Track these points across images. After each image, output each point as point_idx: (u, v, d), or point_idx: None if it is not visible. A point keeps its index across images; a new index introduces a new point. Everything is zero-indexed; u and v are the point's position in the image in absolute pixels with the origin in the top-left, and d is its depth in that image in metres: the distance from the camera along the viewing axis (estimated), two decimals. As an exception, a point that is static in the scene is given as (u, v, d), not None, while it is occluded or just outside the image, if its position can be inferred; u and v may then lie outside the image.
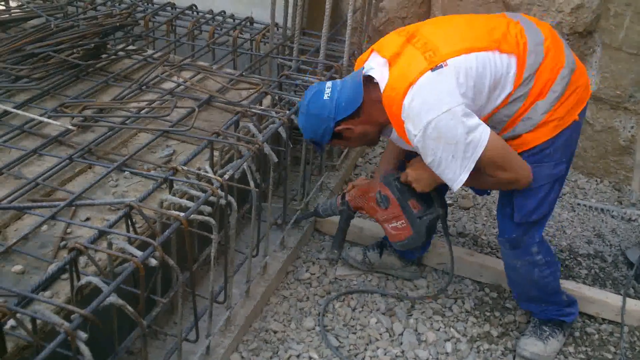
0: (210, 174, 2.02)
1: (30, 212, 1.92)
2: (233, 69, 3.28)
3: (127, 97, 2.70)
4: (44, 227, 2.00)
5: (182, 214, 1.80)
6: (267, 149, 2.30)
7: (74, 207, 2.09)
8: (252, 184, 2.19)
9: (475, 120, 1.96)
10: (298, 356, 2.34)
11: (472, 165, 1.98)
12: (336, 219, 2.70)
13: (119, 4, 3.79)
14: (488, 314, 2.66)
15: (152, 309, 2.11)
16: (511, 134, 2.12)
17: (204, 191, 1.95)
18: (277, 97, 2.75)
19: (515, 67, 2.03)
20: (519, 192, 2.21)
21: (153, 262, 1.65)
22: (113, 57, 3.05)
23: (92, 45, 2.87)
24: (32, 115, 2.39)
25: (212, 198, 1.94)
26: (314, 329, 2.48)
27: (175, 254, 1.98)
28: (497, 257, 2.96)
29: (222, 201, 1.98)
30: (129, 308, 1.55)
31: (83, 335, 1.40)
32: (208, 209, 1.91)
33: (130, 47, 3.23)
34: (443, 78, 1.96)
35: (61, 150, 2.39)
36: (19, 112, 2.47)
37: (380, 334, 2.49)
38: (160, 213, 1.88)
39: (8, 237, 1.93)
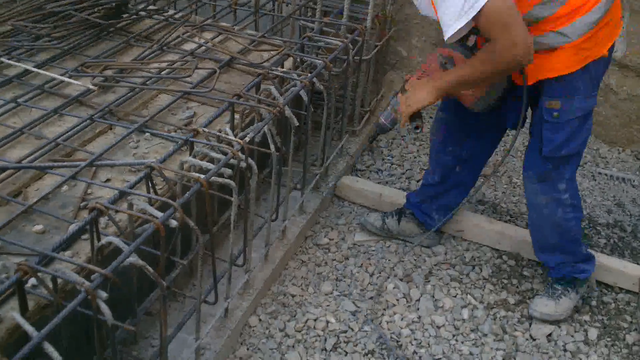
0: (231, 137, 2.01)
1: (51, 172, 1.93)
2: (255, 31, 3.23)
3: (148, 57, 2.67)
4: (65, 187, 2.00)
5: (202, 176, 1.79)
6: (288, 112, 2.27)
7: (94, 168, 2.10)
8: (272, 147, 2.18)
9: None
10: (315, 320, 2.35)
11: (466, 20, 1.84)
12: (357, 188, 2.65)
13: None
14: (505, 281, 2.65)
15: (171, 271, 2.14)
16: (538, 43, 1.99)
17: (225, 154, 1.94)
18: (299, 60, 2.71)
19: None
20: (549, 124, 2.16)
21: (173, 223, 1.65)
22: (134, 16, 3.01)
23: (113, 4, 2.83)
24: (52, 75, 2.39)
25: (232, 161, 1.93)
26: (331, 293, 2.49)
27: (195, 216, 1.99)
28: (517, 224, 2.93)
29: (243, 164, 1.96)
30: (149, 269, 1.55)
31: (103, 294, 1.41)
32: (228, 171, 1.90)
33: (152, 7, 3.19)
34: None
35: (82, 111, 2.38)
36: (40, 71, 2.47)
37: (397, 300, 2.50)
38: (180, 175, 1.88)
39: (29, 196, 1.94)
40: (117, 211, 1.67)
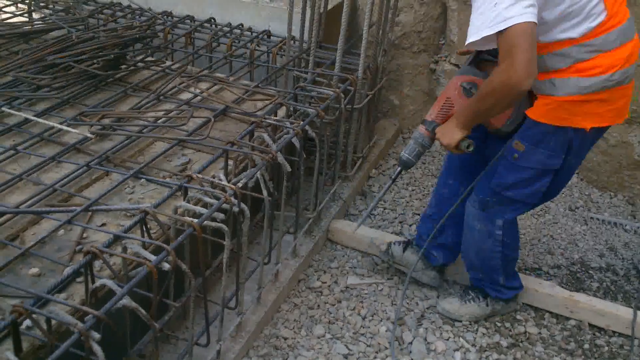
0: (224, 182, 2.07)
1: (48, 217, 1.98)
2: (250, 81, 3.34)
3: (145, 106, 2.76)
4: (61, 231, 2.05)
5: (195, 220, 1.85)
6: (280, 158, 2.35)
7: (90, 213, 2.15)
8: (265, 192, 2.24)
9: (525, 2, 1.84)
10: (307, 363, 2.37)
11: (491, 32, 1.87)
12: (349, 232, 2.73)
13: (140, 17, 3.88)
14: (499, 324, 2.67)
15: (164, 314, 2.16)
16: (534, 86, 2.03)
17: (218, 199, 1.99)
18: (291, 109, 2.80)
19: (601, 20, 1.99)
20: (507, 162, 2.25)
21: (166, 266, 1.70)
22: (132, 68, 3.12)
23: (112, 56, 2.94)
24: (51, 123, 2.47)
25: (225, 206, 1.99)
26: (324, 336, 2.51)
27: (188, 259, 2.03)
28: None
29: (235, 209, 2.02)
30: (142, 311, 1.60)
31: (96, 335, 1.45)
32: (221, 216, 1.96)
33: (150, 59, 3.31)
34: None
35: (79, 158, 2.45)
36: (39, 120, 2.55)
37: (390, 343, 2.51)
38: (174, 219, 1.93)
39: (26, 240, 1.99)
40: (111, 254, 1.72)
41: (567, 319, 2.71)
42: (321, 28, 3.56)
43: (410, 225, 3.29)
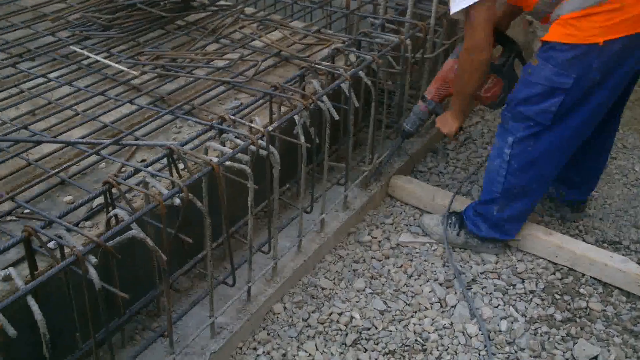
0: (255, 125, 2.04)
1: (78, 147, 2.05)
2: (327, 29, 3.27)
3: (202, 48, 2.78)
4: (102, 165, 2.14)
5: (215, 159, 1.83)
6: (324, 105, 2.27)
7: (134, 148, 2.22)
8: (302, 138, 2.18)
9: None
10: (340, 314, 2.32)
11: (457, 9, 2.19)
12: (410, 188, 2.82)
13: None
14: (557, 297, 2.47)
15: (199, 253, 2.21)
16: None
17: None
18: (351, 55, 2.69)
19: None
20: (523, 78, 2.31)
21: (177, 201, 1.71)
22: (201, 10, 3.14)
23: (180, -1, 2.98)
24: (108, 62, 2.56)
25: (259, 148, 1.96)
26: (363, 290, 2.45)
27: (224, 201, 2.02)
28: (584, 240, 2.73)
29: (263, 152, 1.99)
30: (149, 242, 1.62)
31: (93, 259, 1.49)
32: (246, 157, 1.94)
33: (222, 2, 3.32)
34: None
35: (136, 97, 2.51)
36: (101, 59, 2.64)
37: (432, 304, 2.41)
38: (200, 158, 1.93)
39: (69, 171, 2.09)
40: (127, 186, 1.75)
41: None
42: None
43: (481, 187, 3.10)
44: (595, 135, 2.49)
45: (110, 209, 1.76)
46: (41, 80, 2.56)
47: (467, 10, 2.20)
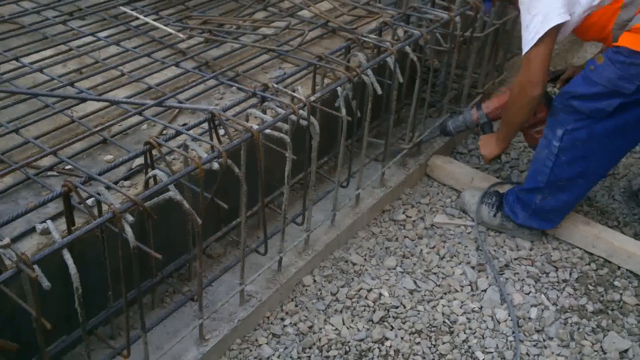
0: (297, 94, 2.03)
1: (121, 107, 2.08)
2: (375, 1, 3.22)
3: (250, 15, 2.77)
4: (144, 126, 2.17)
5: (255, 126, 1.83)
6: (368, 78, 2.25)
7: (177, 111, 2.24)
8: (343, 110, 2.17)
9: (556, 6, 2.12)
10: (369, 290, 2.32)
11: (525, 50, 2.22)
12: (448, 169, 2.83)
13: None
14: (591, 287, 2.42)
15: (233, 220, 2.22)
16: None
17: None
18: (398, 30, 2.65)
19: None
20: (584, 72, 2.25)
21: (215, 165, 1.72)
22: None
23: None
24: (157, 24, 2.57)
25: (300, 118, 1.95)
26: (394, 268, 2.44)
27: (262, 170, 2.03)
28: (622, 232, 2.66)
29: (303, 122, 1.98)
30: (186, 204, 1.63)
31: (129, 217, 1.51)
32: (286, 126, 1.93)
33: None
34: None
35: (182, 61, 2.53)
36: (146, 19, 2.66)
37: (462, 287, 2.39)
38: (241, 124, 1.94)
39: (112, 131, 2.12)
40: (167, 147, 1.77)
41: (678, 295, 2.40)
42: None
43: (521, 172, 3.05)
44: None
45: (149, 169, 1.79)
46: (90, 39, 2.60)
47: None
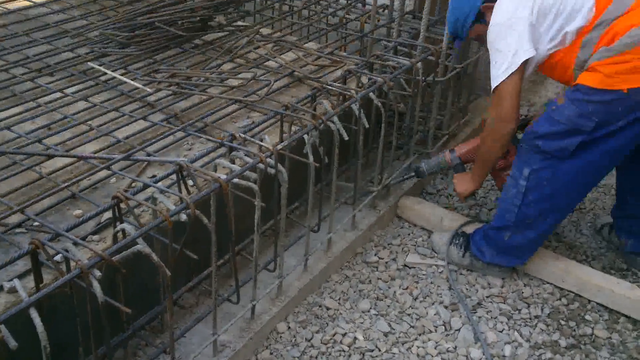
0: (264, 143, 2.07)
1: (90, 162, 2.10)
2: (344, 51, 3.31)
3: (217, 67, 2.83)
4: (113, 180, 2.18)
5: (223, 177, 1.86)
6: (334, 125, 2.30)
7: (145, 164, 2.26)
8: (310, 157, 2.21)
9: (524, 43, 2.24)
10: (344, 335, 2.32)
11: (495, 84, 2.30)
12: (418, 209, 2.89)
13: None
14: (562, 322, 2.45)
15: (204, 270, 2.22)
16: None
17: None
18: (363, 77, 2.72)
19: (591, 6, 2.17)
20: (546, 113, 2.31)
21: (183, 217, 1.73)
22: (219, 30, 3.20)
23: (198, 18, 3.03)
24: (124, 79, 2.60)
25: (269, 168, 1.98)
26: (368, 311, 2.45)
27: (232, 218, 2.05)
28: (591, 265, 2.71)
29: (271, 170, 2.01)
30: (154, 257, 1.64)
31: (97, 273, 1.51)
32: (254, 175, 1.96)
33: (240, 23, 3.37)
34: None
35: (150, 114, 2.56)
36: (114, 74, 2.70)
37: (436, 327, 2.40)
38: (208, 175, 1.96)
39: (81, 185, 2.13)
40: (135, 201, 1.78)
41: (647, 326, 2.44)
42: (416, -2, 3.45)
43: (490, 210, 3.11)
44: None
45: (118, 223, 1.80)
46: (58, 95, 2.62)
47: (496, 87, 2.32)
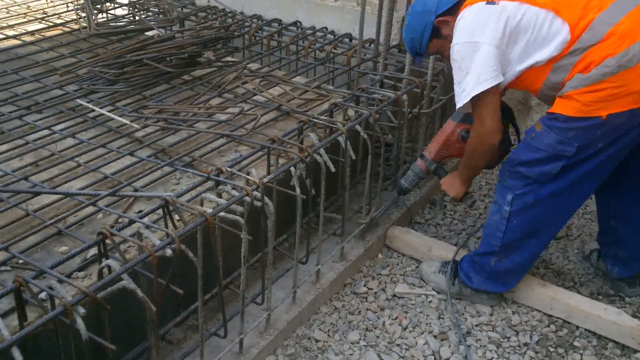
0: (250, 177, 2.09)
1: (76, 199, 2.11)
2: (331, 85, 3.36)
3: (205, 102, 2.87)
4: (100, 215, 2.19)
5: (209, 210, 1.87)
6: (321, 158, 2.33)
7: (132, 199, 2.27)
8: (297, 190, 2.23)
9: (489, 67, 2.20)
10: (333, 367, 2.32)
11: (462, 103, 2.29)
12: (407, 239, 2.88)
13: (232, 19, 4.04)
14: (551, 349, 2.45)
15: (191, 305, 2.22)
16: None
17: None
18: (348, 110, 2.77)
19: (565, 34, 2.15)
20: (525, 141, 2.35)
21: (168, 252, 1.74)
22: (207, 66, 3.25)
23: (186, 55, 3.08)
24: (112, 115, 2.63)
25: (256, 201, 2.00)
26: (357, 342, 2.45)
27: (219, 252, 2.06)
28: (578, 292, 2.72)
29: (257, 203, 2.03)
30: (139, 292, 1.65)
31: (81, 310, 1.51)
32: (240, 209, 1.98)
33: (229, 59, 3.43)
34: (488, 13, 2.22)
35: (138, 149, 2.58)
36: (102, 111, 2.73)
37: (425, 357, 2.39)
38: (194, 209, 1.98)
39: (67, 222, 2.14)
40: (120, 237, 1.79)
41: (635, 351, 2.44)
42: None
43: (478, 239, 3.12)
44: (633, 211, 2.57)
45: (103, 259, 1.80)
46: (46, 132, 2.65)
47: (472, 99, 2.28)
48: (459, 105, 2.32)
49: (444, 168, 2.81)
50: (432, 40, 2.46)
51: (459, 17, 2.31)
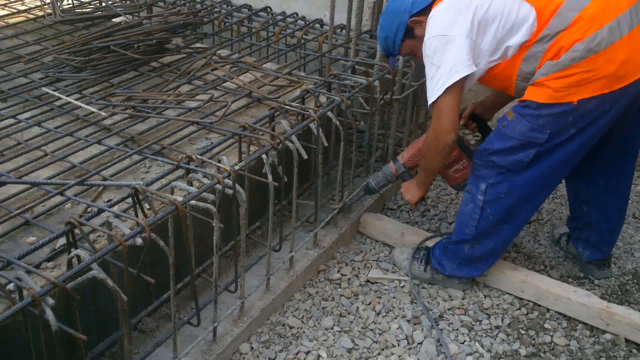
0: (222, 164, 2.07)
1: (43, 188, 2.07)
2: (301, 71, 3.34)
3: (174, 89, 2.83)
4: (68, 205, 2.15)
5: (179, 199, 1.85)
6: (293, 145, 2.32)
7: (100, 188, 2.24)
8: (269, 177, 2.22)
9: (462, 58, 2.21)
10: (307, 352, 2.32)
11: (430, 102, 2.30)
12: (379, 225, 2.85)
13: (201, 5, 3.98)
14: (522, 332, 2.49)
15: (164, 293, 2.20)
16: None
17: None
18: (321, 96, 2.76)
19: (532, 21, 2.17)
20: (497, 129, 2.36)
21: (138, 241, 1.72)
22: (176, 53, 3.20)
23: (154, 41, 3.03)
24: (78, 103, 2.58)
25: (227, 189, 1.99)
26: (331, 328, 2.46)
27: (192, 240, 2.04)
28: (549, 275, 2.77)
29: (229, 191, 2.01)
30: (109, 282, 1.62)
31: (50, 300, 1.49)
32: (211, 197, 1.96)
33: (199, 45, 3.38)
34: (457, 6, 2.24)
35: (106, 137, 2.54)
36: (69, 99, 2.67)
37: (399, 341, 2.42)
38: (165, 198, 1.95)
39: (35, 212, 2.10)
40: (88, 226, 1.76)
41: (603, 332, 2.49)
42: (374, 17, 3.51)
43: (450, 224, 3.15)
44: (607, 196, 2.59)
45: (72, 249, 1.77)
46: (11, 121, 2.59)
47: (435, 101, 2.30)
48: (431, 100, 2.29)
49: (410, 174, 2.81)
50: (406, 40, 2.46)
51: (430, 15, 2.33)
